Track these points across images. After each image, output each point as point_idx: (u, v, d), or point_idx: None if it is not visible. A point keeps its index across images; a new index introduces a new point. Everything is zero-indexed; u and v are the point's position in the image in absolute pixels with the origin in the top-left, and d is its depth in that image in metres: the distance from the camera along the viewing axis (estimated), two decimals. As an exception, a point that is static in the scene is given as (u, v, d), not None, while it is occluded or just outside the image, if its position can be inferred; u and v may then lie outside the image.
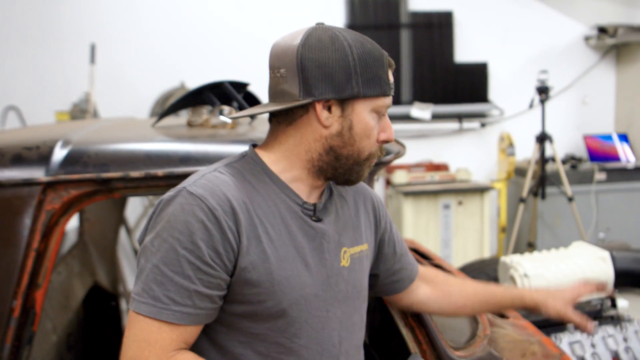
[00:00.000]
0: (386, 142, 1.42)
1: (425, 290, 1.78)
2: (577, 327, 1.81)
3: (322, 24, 1.41)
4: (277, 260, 1.33)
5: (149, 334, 1.24)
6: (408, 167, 5.58)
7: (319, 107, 1.35)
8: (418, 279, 1.76)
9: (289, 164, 1.40)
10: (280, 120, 1.41)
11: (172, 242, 1.25)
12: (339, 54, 1.33)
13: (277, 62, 1.37)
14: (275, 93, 1.39)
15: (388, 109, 1.41)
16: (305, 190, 1.43)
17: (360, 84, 1.34)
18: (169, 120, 2.28)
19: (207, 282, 1.26)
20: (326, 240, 1.43)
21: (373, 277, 1.67)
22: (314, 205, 1.43)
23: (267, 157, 1.42)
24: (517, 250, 5.60)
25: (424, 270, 1.81)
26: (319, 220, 1.43)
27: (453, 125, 5.97)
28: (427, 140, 5.98)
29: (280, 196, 1.39)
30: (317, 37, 1.35)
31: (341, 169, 1.39)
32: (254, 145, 1.48)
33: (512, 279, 2.80)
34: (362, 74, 1.34)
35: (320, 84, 1.33)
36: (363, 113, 1.36)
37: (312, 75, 1.33)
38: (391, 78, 1.40)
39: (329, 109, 1.35)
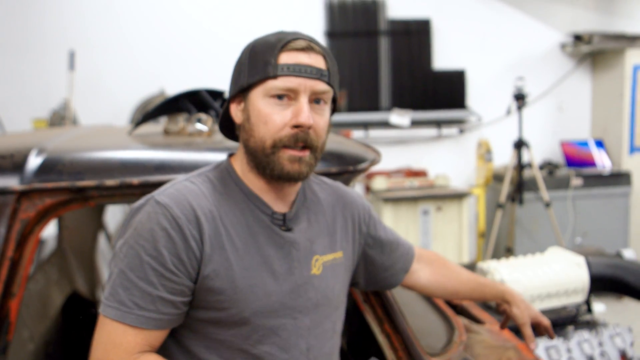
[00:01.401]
0: (298, 126, 1.34)
1: (426, 272, 1.84)
2: (526, 341, 1.93)
3: None
4: (241, 268, 1.35)
5: (114, 336, 1.28)
6: (387, 173, 5.60)
7: (232, 106, 1.44)
8: (417, 262, 1.82)
9: (244, 170, 1.44)
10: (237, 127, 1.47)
11: (138, 248, 1.29)
12: (239, 55, 1.42)
13: None
14: None
15: (299, 91, 1.34)
16: (272, 196, 1.43)
17: (246, 74, 1.37)
18: (147, 128, 2.28)
19: (171, 288, 1.29)
20: (296, 249, 1.44)
21: (365, 277, 1.71)
22: (284, 215, 1.44)
23: (238, 166, 1.45)
24: (496, 255, 5.63)
25: (424, 252, 1.87)
26: (288, 229, 1.44)
27: (432, 131, 6.01)
28: (406, 146, 6.01)
29: (249, 206, 1.41)
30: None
31: (260, 163, 1.38)
32: (231, 155, 1.50)
33: (489, 285, 2.81)
34: (248, 64, 1.37)
35: (230, 86, 1.44)
36: (256, 101, 1.36)
37: (230, 81, 1.45)
38: (290, 60, 1.34)
39: (240, 105, 1.42)
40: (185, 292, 1.32)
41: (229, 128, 1.51)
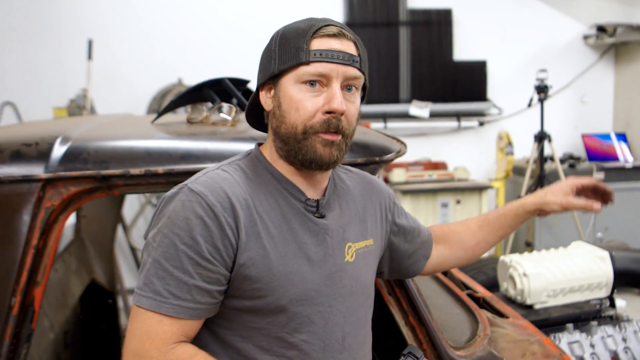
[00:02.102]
0: (330, 112, 1.33)
1: (441, 250, 1.82)
2: (585, 209, 1.80)
3: None
4: (277, 256, 1.34)
5: (149, 326, 1.27)
6: (406, 166, 5.58)
7: (261, 93, 1.42)
8: (435, 245, 1.81)
9: (274, 157, 1.43)
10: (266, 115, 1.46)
11: (173, 237, 1.27)
12: (268, 44, 1.41)
13: None
14: None
15: (332, 77, 1.33)
16: (304, 184, 1.42)
17: (276, 61, 1.36)
18: (168, 117, 2.26)
19: (207, 277, 1.28)
20: (330, 236, 1.43)
21: (389, 266, 1.70)
22: (317, 201, 1.43)
23: (268, 154, 1.44)
24: (515, 249, 5.60)
25: (433, 230, 1.84)
26: (322, 216, 1.43)
27: (451, 123, 5.97)
28: (426, 138, 5.98)
29: (283, 193, 1.40)
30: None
31: (292, 150, 1.36)
32: (260, 144, 1.49)
33: (512, 278, 2.79)
34: (279, 51, 1.35)
35: (259, 73, 1.43)
36: (288, 87, 1.34)
37: (258, 69, 1.43)
38: (322, 46, 1.33)
39: (270, 93, 1.41)
40: (221, 280, 1.30)
41: (256, 117, 1.50)
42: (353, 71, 1.35)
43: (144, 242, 1.34)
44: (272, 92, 1.39)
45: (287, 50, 1.34)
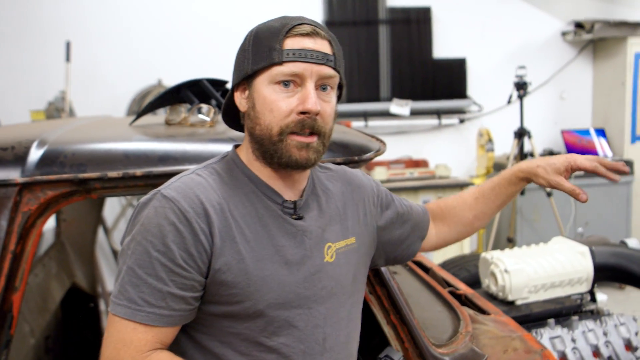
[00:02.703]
0: (304, 113, 1.31)
1: (440, 228, 1.82)
2: (572, 195, 1.70)
3: None
4: (253, 260, 1.33)
5: (124, 334, 1.26)
6: (387, 164, 5.58)
7: (236, 94, 1.41)
8: (432, 222, 1.80)
9: (250, 159, 1.41)
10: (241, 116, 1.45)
11: (146, 244, 1.26)
12: (242, 43, 1.40)
13: None
14: None
15: (305, 77, 1.32)
16: (282, 185, 1.41)
17: (250, 61, 1.34)
18: (147, 119, 2.25)
19: (181, 284, 1.27)
20: (308, 237, 1.41)
21: (384, 256, 1.69)
22: (294, 202, 1.42)
23: (244, 156, 1.43)
24: (497, 245, 5.62)
25: (431, 208, 1.83)
26: (299, 218, 1.42)
27: (432, 121, 5.98)
28: (407, 136, 5.99)
29: (259, 196, 1.39)
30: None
31: (267, 151, 1.35)
32: (237, 145, 1.48)
33: (493, 275, 2.80)
34: (252, 51, 1.34)
35: (233, 73, 1.42)
36: (261, 88, 1.33)
37: (233, 69, 1.42)
38: (296, 45, 1.31)
39: (244, 93, 1.40)
40: (196, 287, 1.30)
41: (232, 117, 1.49)
42: (327, 70, 1.34)
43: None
44: (247, 92, 1.38)
45: (261, 50, 1.33)
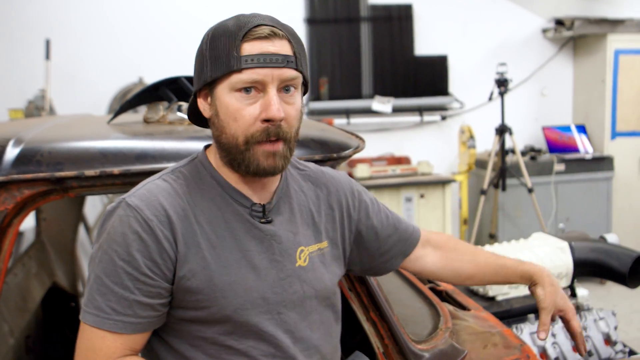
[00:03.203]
0: (268, 120, 1.29)
1: (434, 258, 1.77)
2: (540, 327, 1.68)
3: None
4: (219, 266, 1.33)
5: (93, 342, 1.28)
6: (370, 161, 5.59)
7: (199, 100, 1.39)
8: (424, 246, 1.76)
9: (219, 164, 1.40)
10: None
11: (111, 253, 1.27)
12: (200, 44, 1.36)
13: None
14: None
15: (267, 83, 1.29)
16: (250, 189, 1.40)
17: (208, 67, 1.31)
18: (126, 117, 2.24)
19: (147, 292, 1.28)
20: (277, 242, 1.41)
21: (360, 264, 1.67)
22: (263, 206, 1.41)
23: (214, 159, 1.42)
24: (479, 241, 5.65)
25: (433, 236, 1.80)
26: (268, 221, 1.41)
27: (414, 118, 6.00)
28: (389, 133, 6.00)
29: (227, 200, 1.38)
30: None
31: (235, 160, 1.34)
32: (207, 146, 1.47)
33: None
34: (209, 56, 1.31)
35: (194, 77, 1.39)
36: (223, 96, 1.31)
37: (193, 72, 1.39)
38: (254, 50, 1.28)
39: (207, 100, 1.38)
40: (162, 294, 1.30)
41: (198, 118, 1.47)
42: (289, 72, 1.31)
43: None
44: (209, 99, 1.36)
45: (218, 56, 1.29)
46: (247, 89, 1.29)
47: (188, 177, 1.39)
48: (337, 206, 1.57)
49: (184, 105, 2.01)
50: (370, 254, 1.66)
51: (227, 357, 1.35)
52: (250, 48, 1.28)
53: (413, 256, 1.74)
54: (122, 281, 1.26)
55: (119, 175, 1.63)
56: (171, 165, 1.46)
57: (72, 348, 1.34)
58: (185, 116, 1.96)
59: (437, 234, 1.83)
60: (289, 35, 1.33)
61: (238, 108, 1.30)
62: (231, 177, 1.39)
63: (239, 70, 1.27)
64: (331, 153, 1.79)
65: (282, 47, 1.30)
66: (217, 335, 1.34)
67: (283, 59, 1.29)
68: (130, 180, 1.61)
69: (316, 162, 1.73)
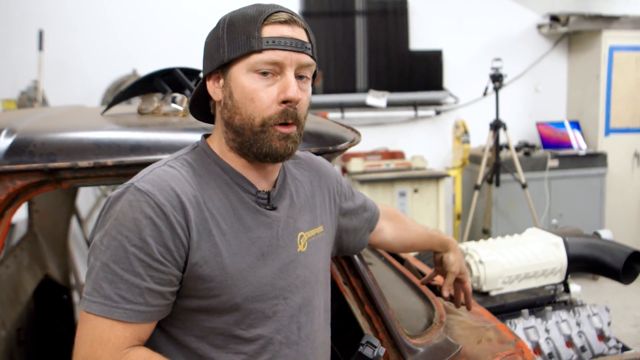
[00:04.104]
0: (287, 101, 1.30)
1: (389, 229, 1.89)
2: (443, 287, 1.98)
3: None
4: (230, 253, 1.31)
5: (101, 332, 1.23)
6: (364, 155, 5.58)
7: (209, 83, 1.38)
8: (381, 219, 1.85)
9: (223, 149, 1.40)
10: (212, 106, 1.44)
11: (121, 239, 1.23)
12: (214, 30, 1.37)
13: None
14: None
15: (285, 65, 1.30)
16: (255, 176, 1.40)
17: (226, 49, 1.32)
18: (120, 108, 2.22)
19: (158, 279, 1.24)
20: (282, 228, 1.41)
21: (337, 245, 1.71)
22: (268, 193, 1.41)
23: (216, 146, 1.41)
24: (473, 237, 5.66)
25: (383, 208, 1.90)
26: (273, 208, 1.41)
27: (408, 112, 5.99)
28: (383, 128, 6.00)
29: (233, 187, 1.37)
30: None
31: (246, 142, 1.33)
32: (207, 135, 1.46)
33: (468, 266, 2.81)
34: (227, 38, 1.32)
35: (205, 63, 1.39)
36: (239, 76, 1.31)
37: (204, 57, 1.39)
38: (274, 33, 1.30)
39: (218, 83, 1.37)
40: (173, 281, 1.27)
41: (201, 108, 1.47)
42: (306, 58, 1.32)
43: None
44: (221, 81, 1.35)
45: (237, 37, 1.30)
46: (264, 72, 1.30)
47: (193, 165, 1.37)
48: (326, 191, 1.61)
49: (179, 96, 2.00)
50: (348, 233, 1.72)
51: (234, 346, 1.34)
52: (271, 31, 1.29)
53: (375, 230, 1.84)
54: (133, 268, 1.22)
55: (113, 166, 1.61)
56: (170, 154, 1.43)
57: (64, 340, 1.32)
58: (180, 107, 1.95)
59: (384, 206, 1.92)
60: (306, 26, 1.36)
61: (255, 89, 1.30)
62: (237, 164, 1.38)
63: (260, 50, 1.28)
64: (327, 146, 1.79)
65: (300, 34, 1.32)
66: (224, 325, 1.33)
67: (301, 44, 1.31)
68: (124, 171, 1.60)
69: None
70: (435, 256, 2.00)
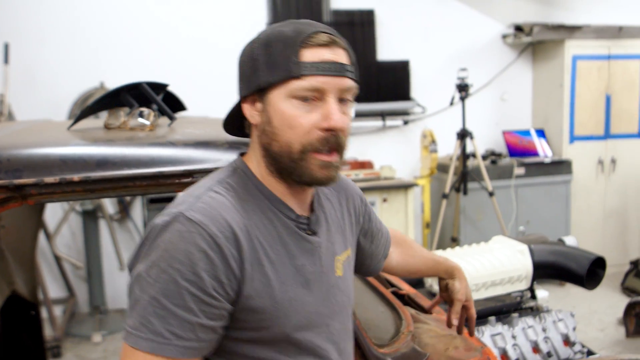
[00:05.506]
0: (329, 130, 1.24)
1: (396, 255, 1.87)
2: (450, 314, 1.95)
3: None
4: (279, 283, 1.27)
5: None
6: (333, 165, 5.59)
7: (245, 106, 1.32)
8: (391, 245, 1.83)
9: (263, 173, 1.33)
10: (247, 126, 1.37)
11: (172, 272, 1.16)
12: (249, 48, 1.30)
13: None
14: None
15: (326, 92, 1.24)
16: (294, 200, 1.35)
17: (263, 72, 1.25)
18: (87, 123, 2.22)
19: (211, 314, 1.18)
20: (322, 253, 1.37)
21: (359, 269, 1.70)
22: (308, 218, 1.37)
23: (255, 168, 1.34)
24: (441, 245, 5.70)
25: (393, 232, 1.87)
26: (314, 233, 1.37)
27: (377, 123, 6.03)
28: (352, 138, 5.97)
29: (276, 213, 1.32)
30: (251, 38, 1.31)
31: (285, 169, 1.28)
32: (242, 153, 1.40)
33: (436, 274, 2.84)
34: (264, 61, 1.25)
35: (241, 83, 1.31)
36: (278, 102, 1.24)
37: (238, 78, 1.32)
38: (314, 57, 1.23)
39: (255, 106, 1.31)
40: (224, 316, 1.21)
41: (233, 123, 1.42)
42: (347, 82, 1.27)
43: (127, 272, 1.23)
44: (258, 105, 1.29)
45: (274, 60, 1.24)
46: (304, 97, 1.24)
47: (237, 189, 1.30)
48: (353, 212, 1.58)
49: (145, 111, 2.00)
50: (364, 256, 1.70)
51: None
52: (310, 55, 1.23)
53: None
54: (185, 303, 1.15)
55: (79, 182, 1.61)
56: (208, 177, 1.36)
57: (32, 356, 1.31)
58: (147, 122, 1.95)
59: (392, 230, 1.90)
60: (346, 45, 1.30)
61: (295, 115, 1.24)
62: (276, 188, 1.33)
63: (299, 76, 1.22)
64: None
65: (341, 56, 1.26)
66: (273, 354, 1.29)
67: (342, 67, 1.25)
68: (91, 187, 1.59)
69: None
70: (440, 282, 1.97)
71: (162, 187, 1.63)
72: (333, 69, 1.24)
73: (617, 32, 5.98)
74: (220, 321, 1.21)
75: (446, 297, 1.97)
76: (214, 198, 1.24)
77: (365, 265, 1.73)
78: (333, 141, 1.26)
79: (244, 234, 1.23)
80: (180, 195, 1.29)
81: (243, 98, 1.32)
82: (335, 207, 1.50)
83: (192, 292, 1.15)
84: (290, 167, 1.27)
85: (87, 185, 1.61)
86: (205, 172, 1.57)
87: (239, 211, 1.25)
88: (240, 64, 1.32)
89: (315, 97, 1.24)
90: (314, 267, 1.34)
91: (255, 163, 1.34)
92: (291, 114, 1.24)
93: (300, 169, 1.26)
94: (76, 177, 1.60)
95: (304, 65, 1.22)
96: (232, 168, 1.36)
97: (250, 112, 1.31)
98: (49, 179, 1.58)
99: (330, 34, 1.27)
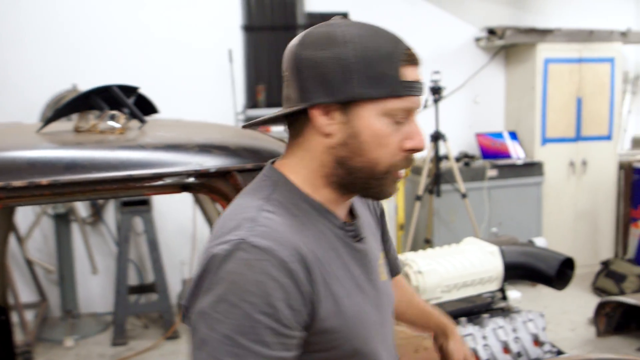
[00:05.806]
0: (414, 151, 1.21)
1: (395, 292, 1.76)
2: None
3: (339, 18, 1.27)
4: (344, 298, 1.21)
5: None
6: (307, 168, 5.60)
7: (316, 113, 1.20)
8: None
9: (314, 183, 1.25)
10: (291, 130, 1.29)
11: (245, 306, 1.06)
12: (334, 50, 1.17)
13: (284, 63, 1.25)
14: (283, 98, 1.28)
15: (413, 112, 1.21)
16: (338, 208, 1.29)
17: (360, 84, 1.16)
18: (57, 126, 2.21)
19: (286, 345, 1.10)
20: (370, 260, 1.33)
21: None
22: (352, 224, 1.31)
23: (296, 178, 1.26)
24: (415, 246, 5.73)
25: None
26: (362, 239, 1.32)
27: (351, 125, 6.02)
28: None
29: (325, 224, 1.25)
30: (317, 33, 1.22)
31: (359, 184, 1.23)
32: (273, 161, 1.34)
33: (407, 276, 2.86)
34: (362, 72, 1.16)
35: (315, 86, 1.18)
36: (370, 118, 1.17)
37: (307, 77, 1.19)
38: (411, 76, 1.18)
39: (330, 115, 1.20)
40: (299, 344, 1.14)
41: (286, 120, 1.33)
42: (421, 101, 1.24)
43: (178, 304, 1.17)
44: (337, 115, 1.20)
45: (373, 73, 1.16)
46: (395, 116, 1.19)
47: (287, 205, 1.21)
48: (374, 213, 1.54)
49: (116, 114, 1.99)
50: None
51: None
52: (409, 74, 1.19)
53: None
54: (262, 338, 1.06)
55: (48, 185, 1.60)
56: (251, 195, 1.26)
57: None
58: (117, 125, 1.94)
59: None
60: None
61: (387, 134, 1.19)
62: (325, 197, 1.27)
63: (399, 96, 1.18)
64: (264, 161, 1.80)
65: (421, 74, 1.23)
66: None
67: (423, 87, 1.24)
68: (59, 190, 1.59)
69: (248, 170, 1.73)
70: (434, 343, 1.86)
71: (131, 190, 1.62)
72: (421, 89, 1.21)
73: (588, 36, 6.07)
74: (294, 351, 1.12)
75: (442, 358, 1.86)
76: (271, 219, 1.16)
77: None
78: (412, 160, 1.24)
79: (309, 254, 1.15)
80: (227, 218, 1.20)
81: (316, 104, 1.20)
82: (366, 211, 1.47)
83: (268, 325, 1.07)
84: (367, 184, 1.23)
85: (56, 188, 1.60)
86: (176, 175, 1.57)
87: (298, 230, 1.18)
88: (315, 64, 1.19)
89: (404, 117, 1.20)
90: (366, 275, 1.30)
91: (303, 174, 1.26)
92: (384, 133, 1.19)
93: (380, 186, 1.23)
94: (44, 180, 1.59)
95: (405, 85, 1.18)
96: (271, 182, 1.26)
97: (324, 120, 1.20)
98: (17, 183, 1.57)
99: (413, 49, 1.23)
